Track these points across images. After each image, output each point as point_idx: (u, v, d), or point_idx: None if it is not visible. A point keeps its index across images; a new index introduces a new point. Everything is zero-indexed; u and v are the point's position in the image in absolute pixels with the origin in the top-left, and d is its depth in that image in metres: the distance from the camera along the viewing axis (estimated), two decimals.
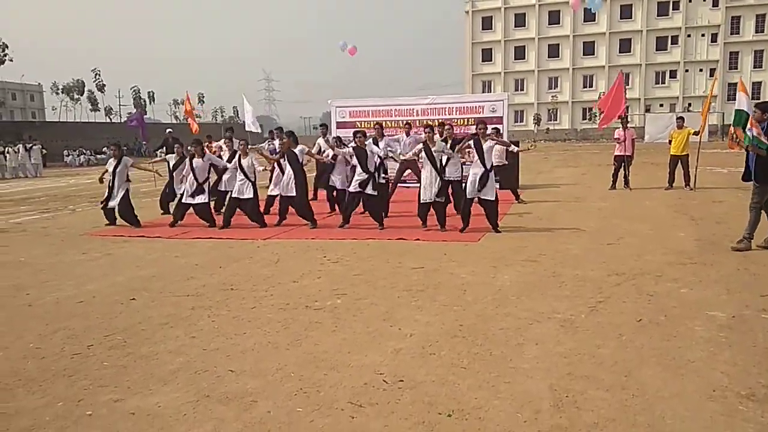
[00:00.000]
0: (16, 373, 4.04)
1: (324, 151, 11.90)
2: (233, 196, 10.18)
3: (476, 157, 8.74)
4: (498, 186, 9.69)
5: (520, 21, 63.46)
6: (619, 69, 51.42)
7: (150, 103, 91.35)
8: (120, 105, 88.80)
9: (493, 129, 11.75)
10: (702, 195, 12.48)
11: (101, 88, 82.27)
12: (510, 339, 4.37)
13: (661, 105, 58.94)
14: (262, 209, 10.56)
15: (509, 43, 63.86)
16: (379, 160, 9.74)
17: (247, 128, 17.59)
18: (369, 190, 9.37)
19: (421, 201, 9.04)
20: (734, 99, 11.29)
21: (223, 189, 11.32)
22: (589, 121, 59.54)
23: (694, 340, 4.25)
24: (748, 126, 7.20)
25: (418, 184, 9.36)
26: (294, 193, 9.72)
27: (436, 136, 9.46)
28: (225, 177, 10.96)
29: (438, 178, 8.90)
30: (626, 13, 60.03)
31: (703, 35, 58.00)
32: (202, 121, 52.85)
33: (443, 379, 3.69)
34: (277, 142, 12.89)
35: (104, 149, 36.57)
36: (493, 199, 8.76)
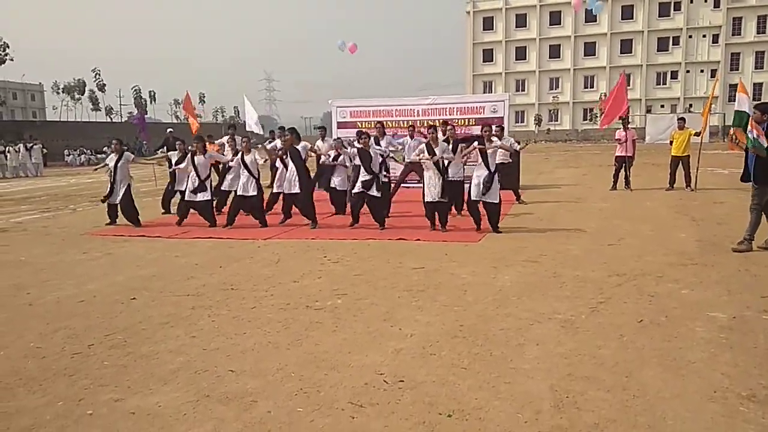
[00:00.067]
0: (17, 372, 4.04)
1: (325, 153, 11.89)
2: (238, 193, 10.18)
3: (480, 159, 8.74)
4: (499, 186, 9.68)
5: (521, 21, 63.48)
6: (620, 70, 51.56)
7: (151, 102, 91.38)
8: (121, 105, 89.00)
9: (498, 128, 11.76)
10: (703, 196, 12.47)
11: (101, 87, 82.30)
12: (510, 339, 4.36)
13: (662, 106, 58.95)
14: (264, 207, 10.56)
15: (510, 44, 63.88)
16: (381, 159, 9.74)
17: (248, 128, 17.58)
18: (373, 191, 9.38)
19: (426, 201, 9.05)
20: (735, 100, 11.26)
21: (225, 189, 11.33)
22: (590, 121, 59.55)
23: (695, 341, 4.24)
24: (749, 128, 7.19)
25: (419, 185, 9.35)
26: (298, 190, 9.70)
27: (440, 139, 9.43)
28: (228, 177, 10.96)
29: (441, 179, 8.91)
30: (627, 13, 60.05)
31: (704, 36, 58.01)
32: (202, 120, 52.83)
33: (444, 380, 3.69)
34: (277, 142, 12.90)
35: (105, 149, 36.57)
36: (497, 201, 8.79)
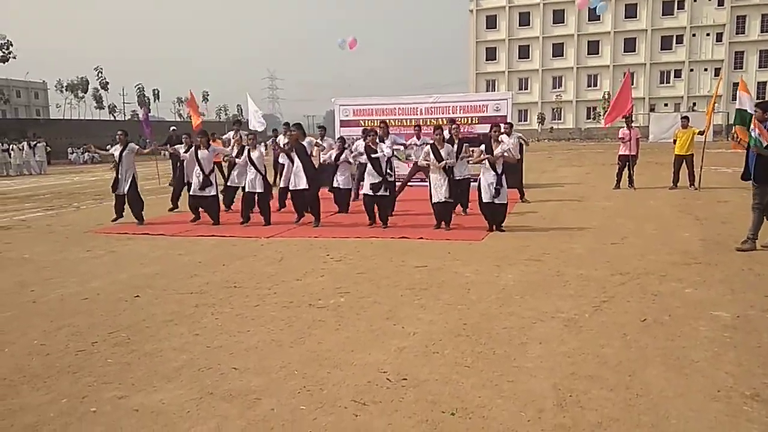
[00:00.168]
0: (21, 369, 4.05)
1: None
2: (247, 190, 10.20)
3: (487, 162, 8.73)
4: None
5: (525, 20, 63.35)
6: (623, 68, 51.51)
7: (155, 101, 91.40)
8: (124, 103, 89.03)
9: (507, 125, 11.74)
10: (707, 195, 12.44)
11: (104, 86, 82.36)
12: (514, 338, 4.36)
13: (666, 104, 58.77)
14: (276, 205, 10.68)
15: (513, 42, 63.76)
16: (387, 158, 9.74)
17: (251, 126, 17.61)
18: (382, 192, 9.38)
19: (434, 202, 9.04)
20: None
21: (233, 185, 11.38)
22: (594, 120, 59.44)
23: (699, 340, 4.23)
24: (751, 126, 7.18)
25: (422, 183, 9.34)
26: (305, 186, 9.66)
27: (445, 139, 9.41)
28: (234, 172, 10.99)
29: (446, 179, 8.90)
30: (631, 12, 59.87)
31: (708, 35, 57.81)
32: (206, 119, 52.87)
33: (447, 378, 3.69)
34: (280, 138, 12.92)
35: (108, 147, 36.58)
36: (506, 202, 8.83)
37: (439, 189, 8.93)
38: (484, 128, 12.83)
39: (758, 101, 7.59)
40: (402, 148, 11.99)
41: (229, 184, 11.67)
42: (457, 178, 9.38)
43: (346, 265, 6.92)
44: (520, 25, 63.58)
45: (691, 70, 58.61)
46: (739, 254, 6.92)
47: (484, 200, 8.77)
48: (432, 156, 8.94)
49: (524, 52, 63.78)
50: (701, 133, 13.42)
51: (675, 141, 13.82)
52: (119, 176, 10.42)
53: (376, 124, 12.98)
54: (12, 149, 28.39)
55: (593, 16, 57.23)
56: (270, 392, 3.57)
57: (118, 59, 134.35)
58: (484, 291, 5.63)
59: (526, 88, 63.73)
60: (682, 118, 14.71)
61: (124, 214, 10.55)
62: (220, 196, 10.76)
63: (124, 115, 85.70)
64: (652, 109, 56.49)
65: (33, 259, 7.87)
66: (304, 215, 10.08)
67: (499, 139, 8.89)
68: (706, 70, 58.10)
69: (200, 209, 10.51)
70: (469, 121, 14.32)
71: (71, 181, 22.68)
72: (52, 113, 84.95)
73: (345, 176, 11.02)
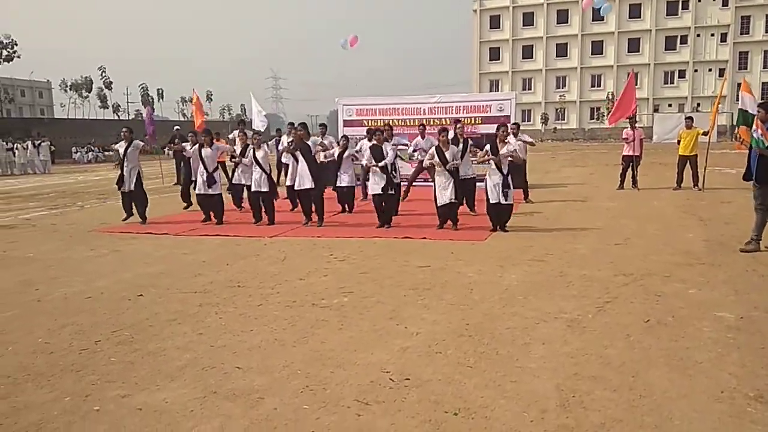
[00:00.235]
0: (25, 367, 4.07)
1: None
2: (253, 189, 10.22)
3: (493, 163, 8.73)
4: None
5: (528, 20, 63.31)
6: (627, 68, 51.36)
7: (159, 100, 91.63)
8: (128, 102, 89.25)
9: (513, 125, 11.73)
10: (710, 195, 12.41)
11: (108, 85, 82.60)
12: (517, 338, 4.36)
13: (670, 105, 58.65)
14: (289, 205, 10.88)
15: (517, 42, 63.71)
16: (392, 157, 9.75)
17: (254, 126, 17.64)
18: (389, 191, 9.40)
19: (439, 204, 9.04)
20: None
21: (239, 183, 11.42)
22: (597, 120, 59.34)
23: (702, 341, 4.23)
24: (754, 127, 7.16)
25: (426, 183, 9.34)
26: (311, 185, 9.65)
27: (450, 139, 9.41)
28: (238, 170, 11.03)
29: (452, 181, 8.90)
30: (635, 12, 59.77)
31: (712, 35, 57.68)
32: (210, 118, 52.93)
33: (450, 378, 3.69)
34: (284, 138, 12.93)
35: (112, 146, 36.72)
36: (511, 202, 8.84)
37: (444, 191, 8.92)
38: (488, 128, 12.85)
39: (761, 101, 7.57)
40: (405, 147, 11.99)
41: (234, 181, 11.69)
42: (462, 177, 9.38)
43: (350, 265, 6.93)
44: (523, 25, 63.55)
45: (696, 70, 58.48)
46: (742, 255, 6.91)
47: (491, 201, 8.78)
48: (437, 158, 8.94)
49: (528, 52, 63.74)
50: (705, 133, 13.39)
51: (679, 141, 13.79)
52: (123, 173, 10.46)
53: (379, 124, 12.99)
54: (16, 148, 28.48)
55: (597, 16, 57.07)
56: (273, 391, 3.58)
57: (119, 59, 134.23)
58: (487, 291, 5.63)
59: (529, 89, 63.67)
60: (686, 118, 14.68)
61: (133, 212, 10.59)
62: (226, 196, 10.80)
63: (128, 114, 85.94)
64: (656, 110, 56.38)
65: (37, 258, 7.90)
66: (312, 217, 10.08)
67: (506, 140, 8.88)
68: (710, 70, 57.97)
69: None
70: (473, 121, 14.30)
71: (75, 180, 22.74)
72: (57, 112, 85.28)
73: (349, 174, 11.03)
